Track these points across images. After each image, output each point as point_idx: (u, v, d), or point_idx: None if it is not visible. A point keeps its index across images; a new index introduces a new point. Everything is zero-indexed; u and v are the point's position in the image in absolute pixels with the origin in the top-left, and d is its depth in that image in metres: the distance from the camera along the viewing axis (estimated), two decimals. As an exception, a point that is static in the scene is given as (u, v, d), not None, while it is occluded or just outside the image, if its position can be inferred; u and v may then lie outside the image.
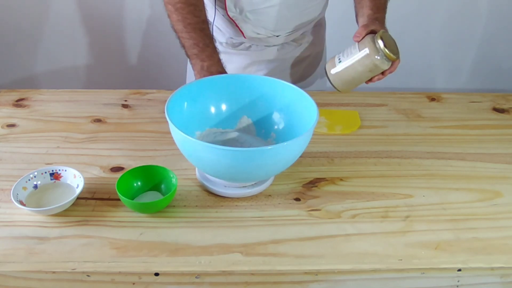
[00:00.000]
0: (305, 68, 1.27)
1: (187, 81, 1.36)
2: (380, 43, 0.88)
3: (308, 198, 0.87)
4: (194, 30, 1.00)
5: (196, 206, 0.85)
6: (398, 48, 0.93)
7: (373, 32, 0.93)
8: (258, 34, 1.14)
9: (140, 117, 1.10)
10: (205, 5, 1.04)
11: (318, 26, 1.25)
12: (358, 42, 0.92)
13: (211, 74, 0.98)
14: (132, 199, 0.84)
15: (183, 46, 1.03)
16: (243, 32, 1.14)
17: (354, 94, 1.23)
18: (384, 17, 1.01)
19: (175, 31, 1.03)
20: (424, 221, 0.83)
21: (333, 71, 0.94)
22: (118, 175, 0.85)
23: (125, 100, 1.16)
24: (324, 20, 1.28)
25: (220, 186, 0.87)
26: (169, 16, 1.03)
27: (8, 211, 0.82)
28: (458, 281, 0.76)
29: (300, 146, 0.83)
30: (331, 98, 1.20)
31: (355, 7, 1.06)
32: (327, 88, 1.32)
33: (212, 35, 1.07)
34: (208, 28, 1.03)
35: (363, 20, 0.98)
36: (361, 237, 0.79)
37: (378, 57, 0.89)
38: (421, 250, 0.77)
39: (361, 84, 0.96)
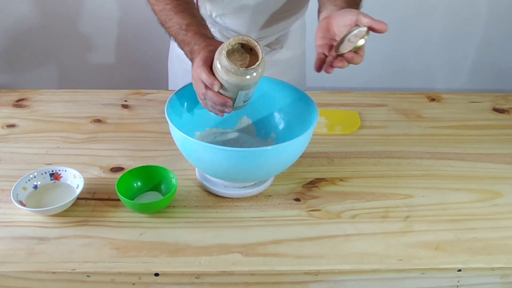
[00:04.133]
0: (279, 71, 1.20)
1: (169, 83, 1.34)
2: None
3: (308, 198, 0.87)
4: (176, 14, 0.90)
5: (196, 206, 0.85)
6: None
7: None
8: (229, 38, 1.10)
9: (140, 117, 1.10)
10: None
11: (296, 30, 1.18)
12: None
13: (200, 58, 0.80)
14: (132, 199, 0.84)
15: (174, 38, 0.93)
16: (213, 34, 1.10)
17: (354, 94, 1.23)
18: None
19: (162, 24, 0.94)
20: (424, 221, 0.83)
21: None
22: (118, 175, 0.85)
23: (125, 100, 1.16)
24: (303, 23, 1.23)
25: (220, 187, 0.87)
26: (153, 11, 0.95)
27: (8, 212, 0.82)
28: (458, 281, 0.76)
29: (300, 146, 0.83)
30: (331, 98, 1.20)
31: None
32: (327, 88, 1.33)
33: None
34: (192, 7, 0.92)
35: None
36: (361, 237, 0.79)
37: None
38: (421, 250, 0.77)
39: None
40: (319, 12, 0.90)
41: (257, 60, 0.75)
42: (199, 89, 0.80)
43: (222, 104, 0.79)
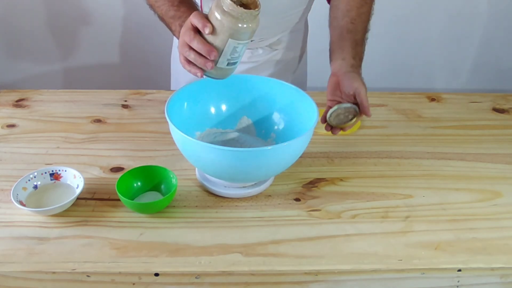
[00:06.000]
0: (280, 72, 1.21)
1: (172, 81, 1.34)
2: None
3: (308, 198, 0.87)
4: None
5: (196, 206, 0.85)
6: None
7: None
8: None
9: (140, 117, 1.10)
10: None
11: (297, 31, 1.19)
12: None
13: (194, 12, 0.80)
14: (132, 199, 0.84)
15: (162, 18, 0.93)
16: None
17: (354, 94, 1.23)
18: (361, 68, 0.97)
19: (150, 6, 0.95)
20: (424, 221, 0.83)
21: None
22: (118, 175, 0.85)
23: (125, 100, 1.16)
24: (306, 24, 1.23)
25: (220, 187, 0.87)
26: None
27: (8, 212, 0.82)
28: (458, 281, 0.76)
29: (300, 146, 0.83)
30: (331, 98, 1.20)
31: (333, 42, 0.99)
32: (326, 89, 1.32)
33: None
34: None
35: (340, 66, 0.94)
36: (361, 237, 0.79)
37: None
38: (421, 250, 0.77)
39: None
40: (330, 56, 0.98)
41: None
42: (186, 37, 0.77)
43: (207, 52, 0.76)
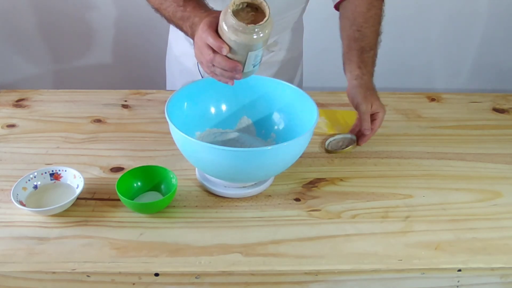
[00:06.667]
0: (277, 73, 1.20)
1: (167, 84, 1.34)
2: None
3: (308, 198, 0.87)
4: None
5: (196, 206, 0.85)
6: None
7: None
8: None
9: (140, 117, 1.10)
10: None
11: (293, 32, 1.18)
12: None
13: (204, 23, 0.78)
14: (132, 199, 0.84)
15: (170, 20, 0.91)
16: None
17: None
18: (372, 73, 1.00)
19: (156, 9, 0.94)
20: (424, 221, 0.83)
21: None
22: (118, 175, 0.85)
23: (125, 100, 1.16)
24: (301, 25, 1.22)
25: (220, 187, 0.87)
26: None
27: (8, 212, 0.82)
28: (458, 281, 0.76)
29: (300, 146, 0.83)
30: (331, 98, 1.20)
31: (343, 55, 1.02)
32: (326, 88, 1.33)
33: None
34: None
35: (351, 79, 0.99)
36: (361, 237, 0.79)
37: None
38: (421, 250, 0.77)
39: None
40: (343, 69, 1.03)
41: (264, 18, 0.72)
42: (206, 56, 0.76)
43: (232, 68, 0.75)
